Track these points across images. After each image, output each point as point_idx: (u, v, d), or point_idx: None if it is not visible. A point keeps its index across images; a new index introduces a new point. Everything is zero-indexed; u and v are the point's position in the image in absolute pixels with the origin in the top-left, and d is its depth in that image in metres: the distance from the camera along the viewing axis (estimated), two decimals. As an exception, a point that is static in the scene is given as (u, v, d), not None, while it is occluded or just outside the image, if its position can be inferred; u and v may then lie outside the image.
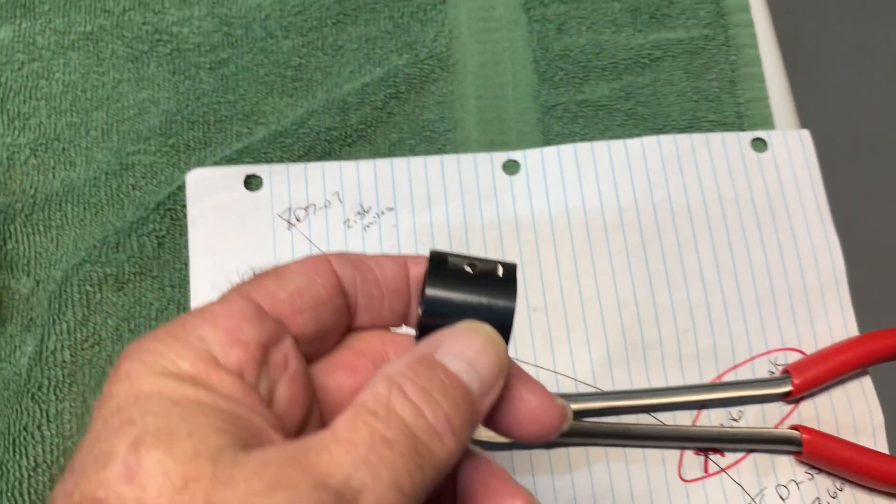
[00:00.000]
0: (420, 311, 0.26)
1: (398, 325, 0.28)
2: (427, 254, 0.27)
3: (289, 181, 0.44)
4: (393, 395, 0.22)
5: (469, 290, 0.25)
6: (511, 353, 0.26)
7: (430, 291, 0.25)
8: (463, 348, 0.24)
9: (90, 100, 0.47)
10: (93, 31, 0.48)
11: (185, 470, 0.19)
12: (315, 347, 0.26)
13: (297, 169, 0.45)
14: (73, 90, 0.47)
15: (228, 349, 0.23)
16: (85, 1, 0.49)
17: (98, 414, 0.22)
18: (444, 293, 0.25)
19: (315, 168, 0.45)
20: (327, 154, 0.46)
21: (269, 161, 0.45)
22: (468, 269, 0.26)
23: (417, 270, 0.28)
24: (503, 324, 0.25)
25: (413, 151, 0.46)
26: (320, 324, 0.26)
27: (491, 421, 0.26)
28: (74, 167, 0.45)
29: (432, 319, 0.25)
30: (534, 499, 0.25)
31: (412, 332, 0.28)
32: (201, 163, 0.45)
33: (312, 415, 0.25)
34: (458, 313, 0.25)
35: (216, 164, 0.45)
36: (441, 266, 0.26)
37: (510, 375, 0.26)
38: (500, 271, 0.26)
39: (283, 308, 0.25)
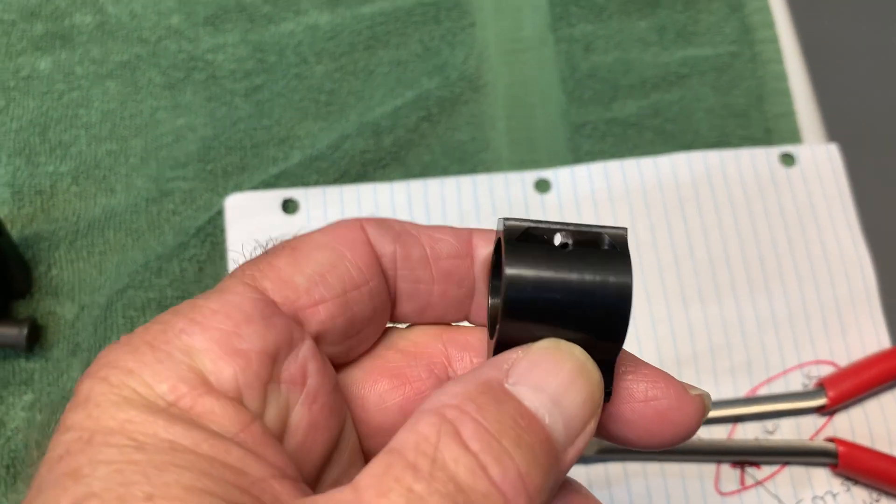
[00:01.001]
0: (490, 302, 0.20)
1: (455, 320, 0.22)
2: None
3: (325, 204, 0.45)
4: (443, 441, 0.16)
5: (566, 267, 0.18)
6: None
7: (510, 271, 0.18)
8: (545, 376, 0.18)
9: (128, 127, 0.48)
10: (129, 60, 0.49)
11: None
12: (346, 347, 0.21)
13: (333, 192, 0.45)
14: (112, 118, 0.48)
15: (222, 363, 0.17)
16: (121, 31, 0.50)
17: (48, 454, 0.17)
18: (533, 273, 0.18)
19: (350, 191, 0.46)
20: (362, 176, 0.47)
21: (305, 184, 0.46)
22: (561, 239, 0.19)
23: (486, 249, 0.21)
24: (617, 315, 0.18)
25: (445, 172, 0.47)
26: (351, 317, 0.20)
27: (608, 431, 0.20)
28: (115, 194, 0.46)
29: (515, 315, 0.18)
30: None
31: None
32: (239, 188, 0.46)
33: (344, 440, 0.20)
34: (551, 305, 0.18)
35: (253, 188, 0.46)
36: (523, 239, 0.19)
37: (624, 371, 0.20)
38: (606, 241, 0.19)
39: (300, 299, 0.19)
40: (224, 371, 0.17)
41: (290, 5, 0.50)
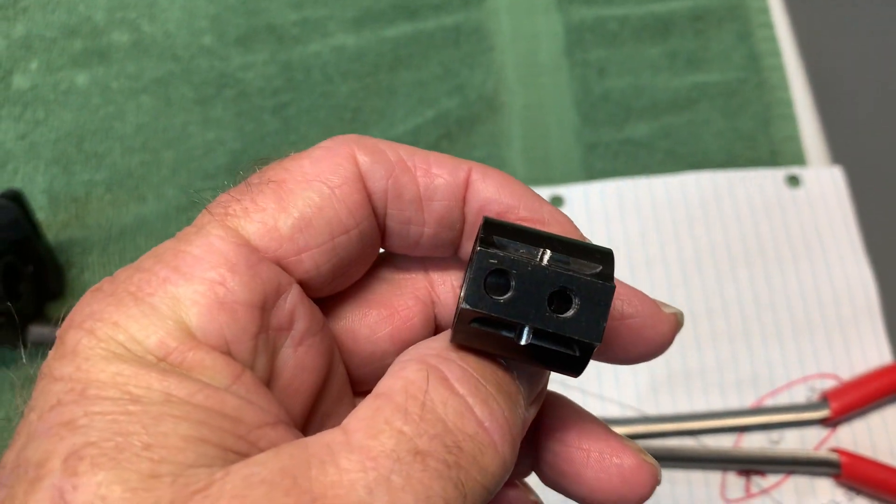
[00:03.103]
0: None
1: (443, 256, 0.21)
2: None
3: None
4: (432, 384, 0.17)
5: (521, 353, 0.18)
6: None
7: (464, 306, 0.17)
8: None
9: (161, 140, 0.50)
10: (163, 77, 0.52)
11: (134, 499, 0.14)
12: (333, 286, 0.20)
13: (355, 204, 0.47)
14: (145, 131, 0.50)
15: (208, 318, 0.17)
16: (156, 49, 0.52)
17: (34, 402, 0.16)
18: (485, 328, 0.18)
19: (372, 203, 0.47)
20: (383, 190, 0.49)
21: (329, 197, 0.48)
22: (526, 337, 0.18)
23: (485, 188, 0.20)
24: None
25: (463, 188, 0.49)
26: (338, 261, 0.19)
27: None
28: (146, 202, 0.48)
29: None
30: (645, 455, 0.20)
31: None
32: (266, 198, 0.48)
33: (332, 376, 0.20)
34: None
35: (280, 199, 0.48)
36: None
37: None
38: (574, 348, 0.18)
39: (284, 246, 0.18)
40: (210, 325, 0.17)
41: (318, 28, 0.53)
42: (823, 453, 0.43)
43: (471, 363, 0.17)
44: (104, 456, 0.15)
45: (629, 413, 0.44)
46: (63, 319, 0.17)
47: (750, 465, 0.43)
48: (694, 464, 0.43)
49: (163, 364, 0.16)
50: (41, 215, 0.47)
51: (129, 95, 0.51)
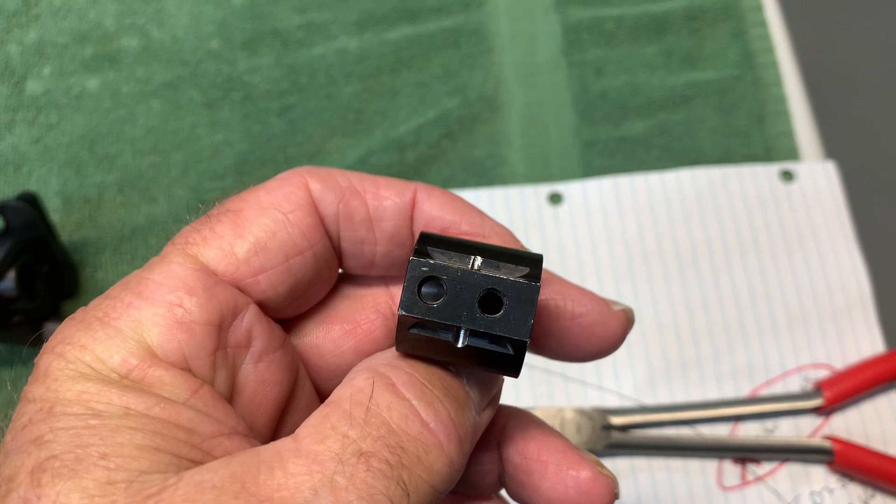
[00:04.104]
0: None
1: (400, 274, 0.23)
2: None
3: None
4: (377, 390, 0.18)
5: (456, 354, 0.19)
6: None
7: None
8: None
9: (170, 142, 0.51)
10: (171, 81, 0.53)
11: None
12: (294, 306, 0.21)
13: (359, 203, 0.49)
14: (155, 134, 0.52)
15: (167, 337, 0.18)
16: (164, 54, 0.54)
17: (11, 423, 0.18)
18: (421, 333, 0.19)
19: (376, 202, 0.49)
20: (386, 189, 0.50)
21: (333, 196, 0.49)
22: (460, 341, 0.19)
23: (429, 206, 0.21)
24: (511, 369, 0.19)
25: (464, 185, 0.50)
26: (294, 281, 0.20)
27: (543, 347, 0.22)
28: (157, 203, 0.50)
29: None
30: (602, 467, 0.21)
31: None
32: (272, 198, 0.49)
33: (299, 391, 0.21)
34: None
35: (286, 199, 0.49)
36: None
37: (556, 291, 0.21)
38: (508, 348, 0.19)
39: (241, 269, 0.19)
40: (170, 344, 0.18)
41: (322, 31, 0.54)
42: (817, 441, 0.44)
43: (418, 370, 0.18)
44: (65, 467, 0.16)
45: (627, 403, 0.45)
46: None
47: (745, 454, 0.44)
48: (691, 452, 0.44)
49: (125, 381, 0.17)
50: (55, 216, 0.49)
51: (139, 99, 0.53)
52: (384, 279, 0.23)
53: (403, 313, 0.18)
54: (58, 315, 0.46)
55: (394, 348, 0.20)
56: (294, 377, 0.21)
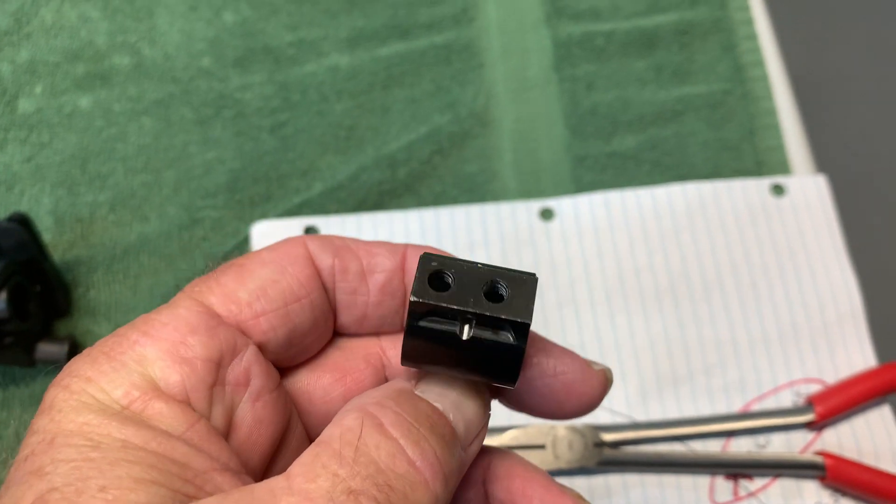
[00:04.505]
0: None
1: (392, 330, 0.24)
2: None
3: (344, 231, 0.49)
4: (366, 430, 0.18)
5: (460, 352, 0.20)
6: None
7: (414, 299, 0.20)
8: (445, 388, 0.21)
9: (162, 160, 0.52)
10: (163, 98, 0.53)
11: None
12: (291, 353, 0.22)
13: (351, 220, 0.49)
14: (147, 152, 0.52)
15: (170, 370, 0.19)
16: (156, 71, 0.54)
17: (17, 456, 0.18)
18: (432, 324, 0.20)
19: (367, 219, 0.49)
20: (378, 205, 0.50)
21: (325, 213, 0.49)
22: (465, 331, 0.20)
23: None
24: (508, 371, 0.20)
25: (456, 201, 0.50)
26: (292, 326, 0.22)
27: (525, 404, 0.23)
28: (149, 221, 0.50)
29: (414, 341, 0.20)
30: (583, 500, 0.22)
31: None
32: (264, 216, 0.50)
33: (291, 433, 0.22)
34: (447, 341, 0.20)
35: (278, 216, 0.49)
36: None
37: (538, 349, 0.22)
38: (509, 330, 0.20)
39: (243, 311, 0.21)
40: (172, 377, 0.19)
41: (313, 48, 0.54)
42: (809, 456, 0.44)
43: (406, 409, 0.19)
44: (65, 499, 0.16)
45: (619, 419, 0.45)
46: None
47: (738, 469, 0.44)
48: (683, 468, 0.44)
49: (126, 412, 0.18)
50: (47, 236, 0.49)
51: (131, 117, 0.53)
52: (377, 336, 0.24)
53: (415, 299, 0.19)
54: (50, 335, 0.46)
55: (382, 386, 0.21)
56: (288, 419, 0.22)
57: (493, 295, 0.20)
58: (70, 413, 0.18)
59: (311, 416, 0.22)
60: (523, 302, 0.20)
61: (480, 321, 0.20)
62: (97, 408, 0.18)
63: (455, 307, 0.19)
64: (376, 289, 0.23)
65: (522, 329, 0.20)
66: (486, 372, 0.20)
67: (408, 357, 0.20)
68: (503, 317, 0.20)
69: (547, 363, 0.22)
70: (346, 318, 0.23)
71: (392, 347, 0.24)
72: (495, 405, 0.23)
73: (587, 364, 0.23)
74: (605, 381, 0.23)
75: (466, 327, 0.20)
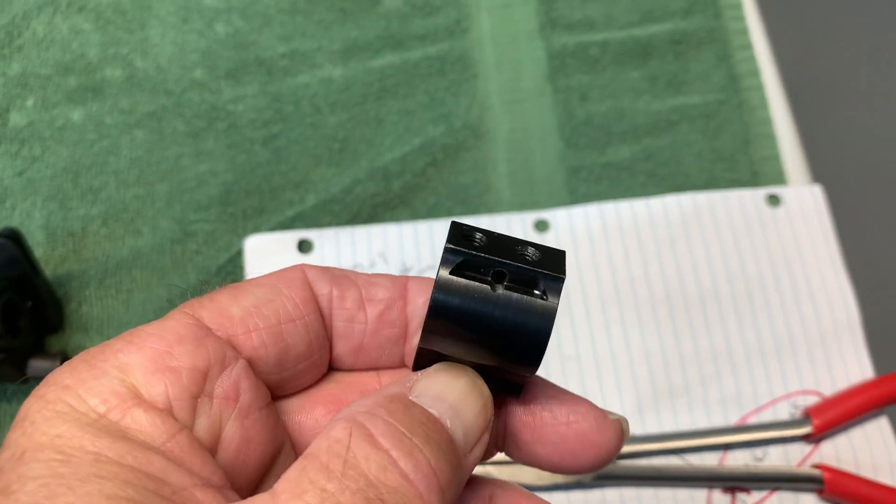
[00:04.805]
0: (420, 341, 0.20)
1: (390, 363, 0.23)
2: (435, 277, 0.20)
3: (338, 244, 0.48)
4: (354, 441, 0.17)
5: (491, 306, 0.19)
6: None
7: (442, 273, 0.19)
8: (443, 389, 0.19)
9: (154, 173, 0.51)
10: (155, 111, 0.53)
11: None
12: (283, 377, 0.21)
13: (345, 233, 0.49)
14: (139, 165, 0.51)
15: (153, 378, 0.18)
16: (148, 84, 0.54)
17: None
18: (458, 299, 0.19)
19: (361, 231, 0.49)
20: (372, 218, 0.50)
21: (319, 226, 0.49)
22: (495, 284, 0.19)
23: (420, 297, 0.22)
24: (532, 353, 0.19)
25: (450, 213, 0.50)
26: (285, 346, 0.21)
27: (536, 455, 0.22)
28: (141, 235, 0.50)
29: (435, 328, 0.19)
30: None
31: None
32: (257, 229, 0.49)
33: (283, 458, 0.21)
34: (470, 329, 0.19)
35: (271, 230, 0.49)
36: (462, 265, 0.19)
37: (550, 396, 0.21)
38: (540, 286, 0.19)
39: (235, 326, 0.20)
40: (154, 384, 0.18)
41: (306, 60, 0.54)
42: (806, 469, 0.44)
43: (398, 417, 0.18)
44: None
45: (615, 433, 0.45)
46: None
47: (735, 483, 0.44)
48: (680, 482, 0.44)
49: (103, 421, 0.17)
50: (39, 251, 0.48)
51: (123, 130, 0.52)
52: (376, 371, 0.23)
53: (451, 246, 0.19)
54: (42, 351, 0.46)
55: (373, 394, 0.19)
56: (280, 442, 0.21)
57: (524, 258, 0.19)
58: (43, 425, 0.17)
59: (301, 447, 0.21)
60: (555, 261, 0.19)
61: (513, 277, 0.19)
62: (72, 417, 0.17)
63: (490, 257, 0.19)
64: (374, 317, 0.22)
65: (557, 284, 0.19)
66: (509, 348, 0.19)
67: (429, 331, 0.19)
68: (538, 269, 0.19)
69: (560, 410, 0.21)
70: (342, 348, 0.22)
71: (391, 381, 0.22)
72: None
73: (603, 413, 0.21)
74: (620, 432, 0.21)
75: (499, 288, 0.19)
